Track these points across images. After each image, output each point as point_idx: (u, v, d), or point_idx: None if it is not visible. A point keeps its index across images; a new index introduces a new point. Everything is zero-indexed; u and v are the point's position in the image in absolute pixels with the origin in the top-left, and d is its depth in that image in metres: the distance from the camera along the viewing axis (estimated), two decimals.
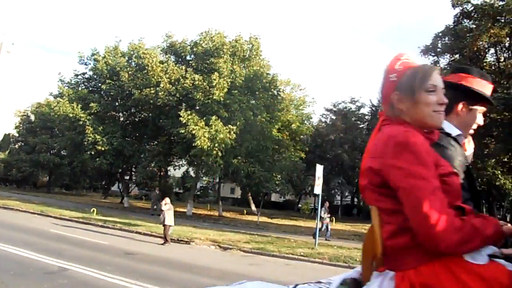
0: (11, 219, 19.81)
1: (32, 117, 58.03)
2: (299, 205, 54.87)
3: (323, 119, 47.85)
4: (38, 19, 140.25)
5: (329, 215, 21.61)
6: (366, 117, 48.49)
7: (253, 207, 42.68)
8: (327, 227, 21.27)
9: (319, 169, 17.24)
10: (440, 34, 26.07)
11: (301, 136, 41.16)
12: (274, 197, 64.14)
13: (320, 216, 22.09)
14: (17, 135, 60.42)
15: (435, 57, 26.77)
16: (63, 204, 32.37)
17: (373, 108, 47.05)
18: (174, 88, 30.04)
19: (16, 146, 61.63)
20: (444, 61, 26.75)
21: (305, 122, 42.48)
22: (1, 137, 73.36)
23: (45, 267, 9.53)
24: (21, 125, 58.33)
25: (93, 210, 24.58)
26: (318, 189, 17.12)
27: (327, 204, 22.56)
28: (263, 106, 32.09)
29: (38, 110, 55.83)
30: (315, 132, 43.23)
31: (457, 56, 25.85)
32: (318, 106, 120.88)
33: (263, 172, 31.80)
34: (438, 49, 26.46)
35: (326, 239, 20.03)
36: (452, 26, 25.43)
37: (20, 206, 25.86)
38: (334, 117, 45.28)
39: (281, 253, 14.69)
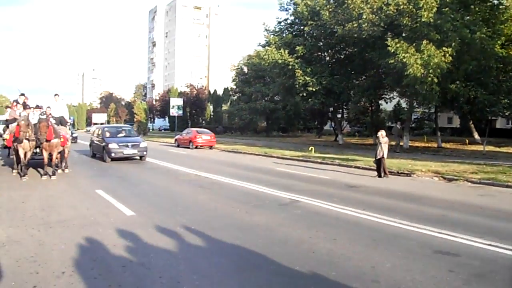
0: (241, 161, 22.22)
1: (245, 69, 63.04)
2: None
3: None
4: None
5: None
6: None
7: (476, 136, 39.11)
8: None
9: None
10: None
11: None
12: (500, 124, 57.60)
13: None
14: (234, 87, 66.76)
15: None
16: (282, 145, 34.87)
17: None
18: (377, 17, 28.43)
19: (235, 97, 68.48)
20: None
21: None
22: (222, 91, 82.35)
23: (279, 200, 10.31)
24: (236, 78, 64.08)
25: (311, 149, 25.66)
26: None
27: None
28: (481, 20, 28.22)
29: (250, 61, 60.28)
30: None
31: None
32: None
33: (487, 96, 28.89)
34: None
35: None
36: None
37: (246, 149, 28.88)
38: None
39: None
